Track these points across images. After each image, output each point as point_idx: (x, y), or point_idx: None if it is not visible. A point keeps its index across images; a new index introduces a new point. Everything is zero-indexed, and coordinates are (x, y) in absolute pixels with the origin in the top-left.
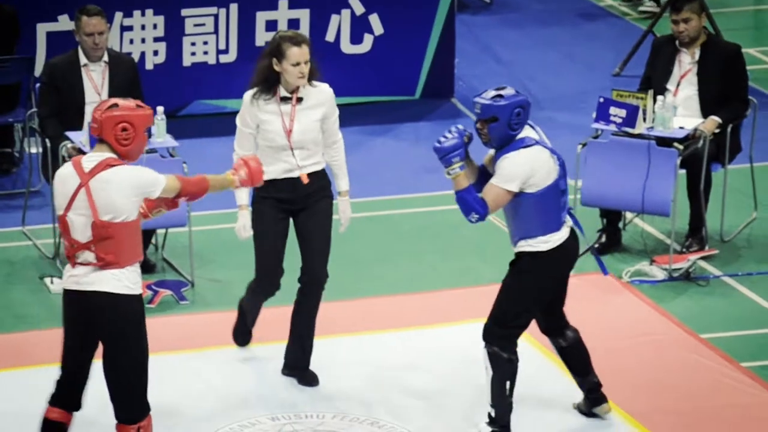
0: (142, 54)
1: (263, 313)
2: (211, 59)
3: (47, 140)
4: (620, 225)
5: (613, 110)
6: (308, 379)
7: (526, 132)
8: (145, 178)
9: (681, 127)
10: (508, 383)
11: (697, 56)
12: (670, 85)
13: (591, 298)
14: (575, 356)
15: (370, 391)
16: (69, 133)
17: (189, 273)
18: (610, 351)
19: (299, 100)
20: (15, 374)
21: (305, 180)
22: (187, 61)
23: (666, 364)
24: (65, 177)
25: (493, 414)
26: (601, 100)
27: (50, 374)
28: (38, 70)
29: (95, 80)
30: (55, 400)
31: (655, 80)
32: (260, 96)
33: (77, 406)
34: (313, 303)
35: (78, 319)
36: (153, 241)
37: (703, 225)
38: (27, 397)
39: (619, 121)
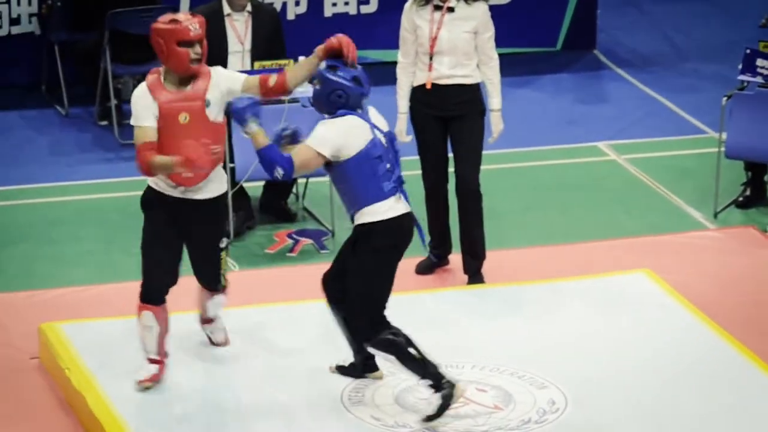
0: (284, 4)
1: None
2: (352, 9)
3: None
4: (765, 178)
5: (760, 62)
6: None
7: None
8: (131, 104)
9: None
10: (411, 350)
11: None
12: None
13: (735, 252)
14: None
15: (513, 343)
16: None
17: (329, 222)
18: (754, 304)
19: (450, 9)
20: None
21: (428, 85)
22: (328, 11)
23: None
24: None
25: (429, 381)
26: (748, 51)
27: (192, 320)
28: None
29: (238, 30)
30: None
31: None
32: (417, 2)
33: None
34: (472, 208)
35: None
36: (294, 190)
37: None
38: (173, 342)
39: (767, 72)
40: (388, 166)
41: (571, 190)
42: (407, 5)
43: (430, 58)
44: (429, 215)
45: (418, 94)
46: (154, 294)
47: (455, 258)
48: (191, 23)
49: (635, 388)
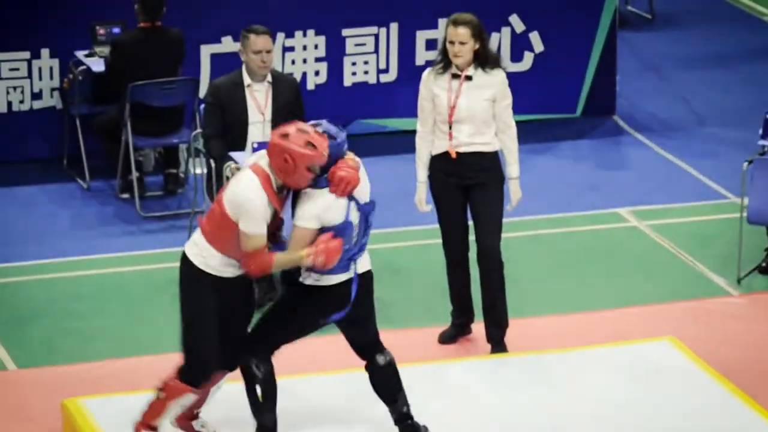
0: (304, 74)
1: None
2: (371, 79)
3: (212, 160)
4: None
5: None
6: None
7: None
8: (242, 206)
9: None
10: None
11: None
12: None
13: (760, 318)
14: (381, 383)
15: (535, 413)
16: (233, 153)
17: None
18: None
19: (468, 78)
20: None
21: (453, 154)
22: (348, 81)
23: None
24: None
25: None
26: None
27: (218, 393)
28: (202, 91)
29: (258, 100)
30: None
31: None
32: (435, 70)
33: None
34: (494, 276)
35: None
36: None
37: None
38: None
39: None
40: (346, 246)
41: (593, 257)
42: (425, 74)
43: (450, 127)
44: (451, 284)
45: (437, 162)
46: (204, 378)
47: (478, 327)
48: (326, 149)
49: None
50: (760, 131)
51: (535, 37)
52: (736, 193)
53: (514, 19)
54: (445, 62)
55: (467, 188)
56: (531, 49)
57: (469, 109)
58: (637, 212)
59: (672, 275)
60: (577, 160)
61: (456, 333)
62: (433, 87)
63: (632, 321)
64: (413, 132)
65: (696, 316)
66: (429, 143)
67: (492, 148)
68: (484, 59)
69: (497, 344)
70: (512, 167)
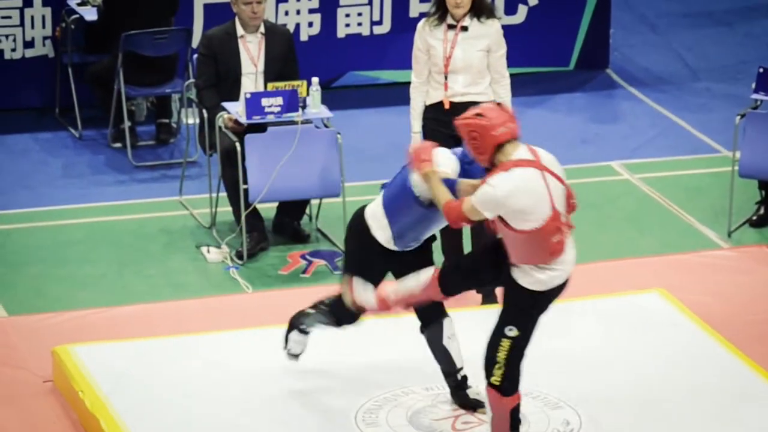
0: (297, 26)
1: None
2: (365, 30)
3: (204, 111)
4: None
5: None
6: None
7: None
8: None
9: None
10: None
11: None
12: None
13: (749, 271)
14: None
15: (526, 362)
16: (225, 104)
17: (342, 243)
18: None
19: (463, 28)
20: (172, 342)
21: (446, 104)
22: (341, 32)
23: None
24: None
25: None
26: (761, 70)
27: (208, 342)
28: (195, 41)
29: (251, 51)
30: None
31: None
32: (430, 21)
33: None
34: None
35: None
36: (307, 211)
37: None
38: (183, 365)
39: None
40: None
41: (584, 210)
42: (420, 25)
43: (445, 77)
44: (443, 235)
45: (432, 113)
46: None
47: None
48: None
49: (649, 408)
50: (753, 85)
51: None
52: (728, 146)
53: None
54: (441, 13)
55: (461, 138)
56: (525, 2)
57: (465, 59)
58: (628, 165)
59: (662, 228)
60: (569, 113)
61: None
62: (428, 38)
63: (622, 273)
64: (406, 84)
65: (686, 268)
66: (423, 94)
67: (486, 98)
68: (480, 9)
69: (488, 295)
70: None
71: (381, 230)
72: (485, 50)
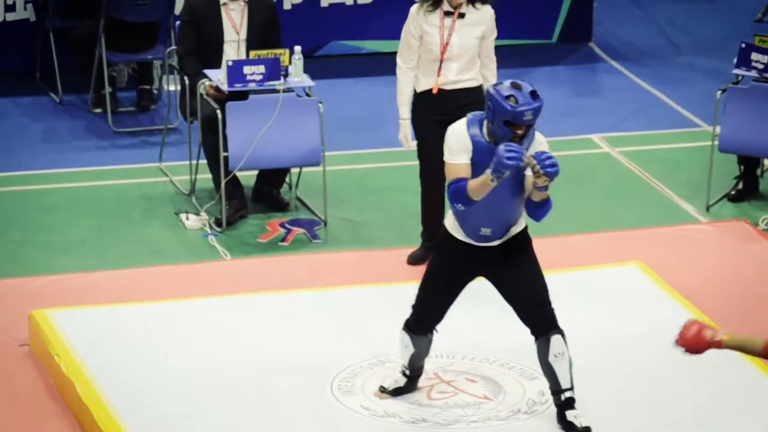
0: None
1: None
2: (348, 0)
3: (186, 77)
4: (758, 172)
5: (755, 56)
6: None
7: None
8: None
9: None
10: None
11: None
12: None
13: (727, 245)
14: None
15: (503, 334)
16: (207, 71)
17: (322, 212)
18: (746, 298)
19: (461, 15)
20: (149, 307)
21: (434, 90)
22: (325, 1)
23: None
24: None
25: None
26: (743, 45)
27: (186, 309)
28: (178, 8)
29: (234, 19)
30: None
31: None
32: (425, 7)
33: None
34: None
35: None
36: (287, 179)
37: None
38: (159, 331)
39: (761, 66)
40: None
41: (565, 182)
42: (414, 10)
43: (440, 64)
44: (425, 210)
45: (422, 99)
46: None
47: None
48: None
49: (625, 379)
50: (735, 60)
51: None
52: (709, 121)
53: None
54: None
55: (450, 123)
56: None
57: (462, 46)
58: (609, 138)
59: (642, 201)
60: (552, 86)
61: (425, 254)
62: (423, 24)
63: (601, 245)
64: (389, 54)
65: (664, 242)
66: (412, 79)
67: (476, 83)
68: None
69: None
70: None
71: (448, 220)
72: (480, 37)
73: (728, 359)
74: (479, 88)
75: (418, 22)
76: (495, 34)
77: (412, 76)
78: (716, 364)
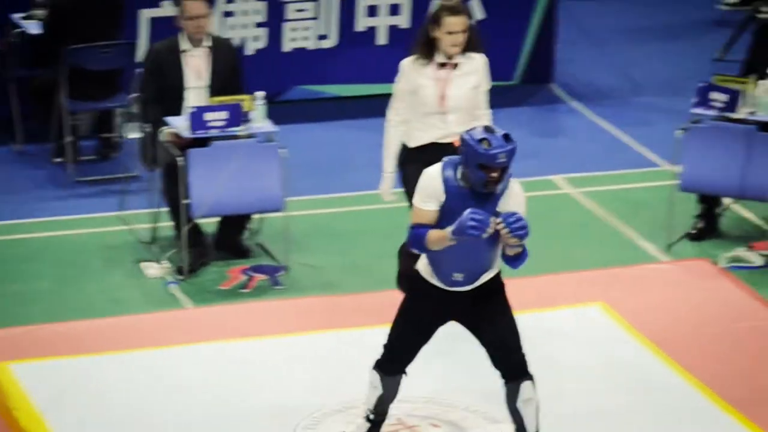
0: (243, 39)
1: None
2: (311, 44)
3: (148, 125)
4: (718, 210)
5: (713, 95)
6: None
7: None
8: None
9: None
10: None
11: None
12: None
13: (688, 284)
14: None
15: (467, 377)
16: (168, 119)
17: (284, 258)
18: (706, 336)
19: (455, 66)
20: (109, 359)
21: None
22: (287, 46)
23: (764, 350)
24: None
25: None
26: (701, 84)
27: (147, 359)
28: (140, 55)
29: (197, 65)
30: None
31: (759, 64)
32: (418, 60)
33: None
34: None
35: None
36: (248, 225)
37: None
38: (119, 381)
39: (720, 105)
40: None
41: (529, 221)
42: (407, 64)
43: (439, 117)
44: (403, 256)
45: (417, 153)
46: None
47: None
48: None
49: (588, 422)
50: (694, 100)
51: (475, 4)
52: (669, 161)
53: None
54: (428, 51)
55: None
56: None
57: (459, 98)
58: (571, 179)
59: (603, 241)
60: (514, 127)
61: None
62: (417, 78)
63: (563, 286)
64: (352, 98)
65: (627, 281)
66: (401, 133)
67: None
68: (470, 44)
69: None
70: None
71: (421, 262)
72: (476, 86)
73: (691, 403)
74: None
75: (412, 77)
76: (489, 84)
77: (401, 131)
78: (678, 407)
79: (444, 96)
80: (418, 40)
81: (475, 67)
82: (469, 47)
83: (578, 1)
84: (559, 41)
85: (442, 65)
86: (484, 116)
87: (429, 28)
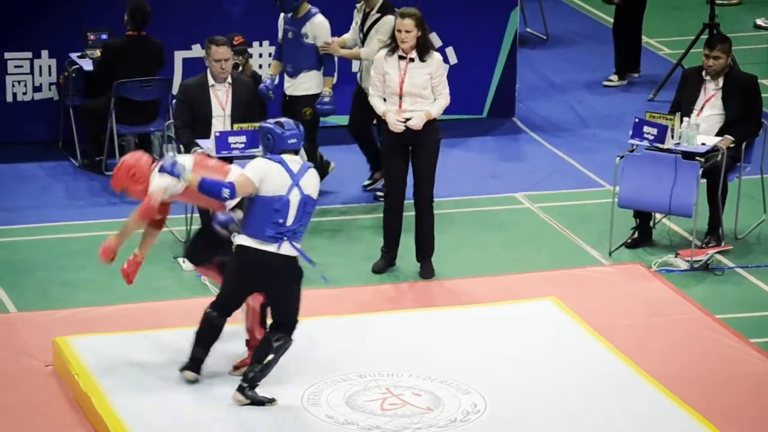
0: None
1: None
2: None
3: (182, 146)
4: (651, 224)
5: (646, 129)
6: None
7: (287, 158)
8: None
9: (703, 144)
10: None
11: (720, 84)
12: (695, 108)
13: (625, 284)
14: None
15: (443, 356)
16: (199, 141)
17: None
18: (640, 327)
19: (411, 60)
20: (151, 335)
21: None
22: None
23: (686, 339)
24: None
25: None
26: (637, 120)
27: (179, 336)
28: (175, 89)
29: (220, 98)
30: None
31: (683, 104)
32: (387, 53)
33: None
34: (428, 216)
35: None
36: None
37: (720, 225)
38: (160, 353)
39: (651, 137)
40: (280, 220)
41: (492, 232)
42: (379, 56)
43: (400, 98)
44: (387, 224)
45: (387, 126)
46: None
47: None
48: None
49: (542, 394)
50: (630, 132)
51: (450, 52)
52: (610, 182)
53: (433, 37)
54: (394, 45)
55: (410, 146)
56: (447, 61)
57: (413, 84)
58: (530, 196)
59: (556, 248)
60: (482, 153)
61: (386, 264)
62: (385, 66)
63: (522, 284)
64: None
65: (574, 281)
66: (381, 99)
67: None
68: (424, 46)
69: (426, 264)
70: (432, 108)
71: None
72: (429, 75)
73: (629, 382)
74: (433, 119)
75: (381, 64)
76: (444, 73)
77: (381, 98)
78: (616, 384)
79: (402, 82)
80: (389, 37)
81: (429, 63)
82: (421, 53)
83: (535, 50)
84: (519, 82)
85: (402, 58)
86: (442, 96)
87: (394, 32)
